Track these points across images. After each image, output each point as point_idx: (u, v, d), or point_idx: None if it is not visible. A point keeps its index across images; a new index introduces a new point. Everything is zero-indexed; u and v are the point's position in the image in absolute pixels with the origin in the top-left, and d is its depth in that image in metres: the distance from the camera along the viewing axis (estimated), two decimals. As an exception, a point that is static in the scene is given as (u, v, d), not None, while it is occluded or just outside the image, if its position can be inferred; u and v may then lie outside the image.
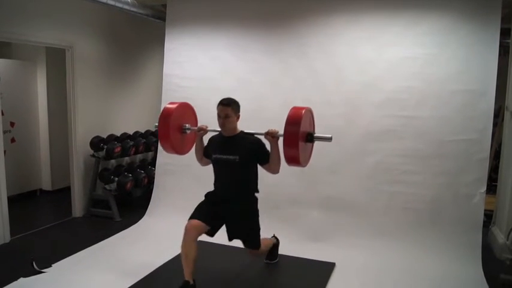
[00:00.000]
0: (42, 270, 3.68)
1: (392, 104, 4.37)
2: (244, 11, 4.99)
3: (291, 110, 3.05)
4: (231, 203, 3.32)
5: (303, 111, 3.02)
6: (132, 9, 5.00)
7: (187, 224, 3.23)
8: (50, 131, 6.30)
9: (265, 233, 4.03)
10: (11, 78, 5.88)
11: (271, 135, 3.13)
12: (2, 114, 4.83)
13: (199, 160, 3.55)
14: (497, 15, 4.08)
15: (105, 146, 5.45)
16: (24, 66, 6.11)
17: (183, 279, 3.13)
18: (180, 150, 3.55)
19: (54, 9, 4.98)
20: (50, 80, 6.20)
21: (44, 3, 4.86)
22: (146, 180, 5.67)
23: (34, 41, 5.02)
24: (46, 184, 6.43)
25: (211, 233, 3.35)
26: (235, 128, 3.32)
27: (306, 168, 4.51)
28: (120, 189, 5.36)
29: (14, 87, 5.92)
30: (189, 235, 3.19)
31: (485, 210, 4.18)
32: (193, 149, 3.58)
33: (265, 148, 3.27)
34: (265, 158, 3.24)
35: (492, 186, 5.07)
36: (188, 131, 3.50)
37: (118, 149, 5.48)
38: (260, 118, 4.60)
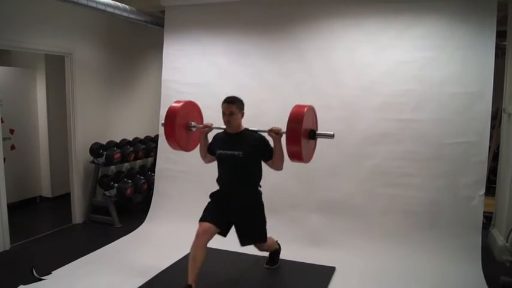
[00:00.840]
0: (42, 278, 3.68)
1: (391, 107, 4.38)
2: (242, 16, 5.01)
3: (293, 107, 3.12)
4: (235, 198, 3.40)
5: (305, 109, 3.08)
6: (131, 15, 5.02)
7: (199, 228, 3.30)
8: (50, 137, 6.31)
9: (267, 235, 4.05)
10: (11, 86, 5.90)
11: (275, 132, 3.21)
12: (2, 121, 4.85)
13: (204, 157, 3.62)
14: (493, 18, 4.10)
15: (105, 152, 5.46)
16: (23, 74, 6.13)
17: (186, 283, 3.15)
18: (186, 147, 3.64)
19: (53, 17, 5.00)
20: (49, 87, 6.22)
21: (42, 10, 4.88)
22: (146, 186, 5.67)
23: (33, 48, 5.04)
24: (46, 191, 6.43)
25: (223, 234, 3.43)
26: (239, 125, 3.41)
27: (304, 171, 4.58)
28: (120, 195, 5.37)
29: (14, 94, 5.94)
30: (201, 239, 3.25)
31: (484, 212, 4.20)
32: (197, 148, 3.66)
33: (269, 145, 3.36)
34: (269, 155, 3.32)
35: (491, 188, 5.07)
36: (194, 129, 3.58)
37: (117, 155, 5.49)
38: (259, 123, 4.58)
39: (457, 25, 4.23)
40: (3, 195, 4.42)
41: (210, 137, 3.58)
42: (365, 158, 4.46)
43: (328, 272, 3.88)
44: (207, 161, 3.63)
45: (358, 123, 4.49)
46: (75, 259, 4.12)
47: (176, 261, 4.03)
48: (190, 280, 3.15)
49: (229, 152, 3.35)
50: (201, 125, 3.58)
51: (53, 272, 3.80)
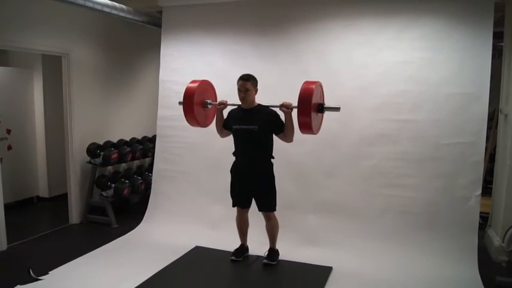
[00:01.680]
0: (39, 278, 3.67)
1: (388, 108, 4.39)
2: (239, 17, 5.01)
3: (303, 84, 3.40)
4: (252, 168, 3.78)
5: (314, 85, 3.35)
6: (128, 16, 5.01)
7: (237, 211, 4.02)
8: (47, 138, 6.30)
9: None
10: (8, 86, 5.89)
11: (286, 107, 3.52)
12: (-1, 121, 4.84)
13: (220, 132, 3.97)
14: (490, 19, 4.11)
15: (102, 153, 5.46)
16: (20, 74, 6.12)
17: (240, 244, 4.09)
18: (203, 123, 3.95)
19: (50, 17, 4.99)
20: (46, 87, 6.21)
21: (40, 10, 4.87)
22: (143, 186, 5.67)
23: (30, 49, 5.03)
24: (43, 191, 6.42)
25: (249, 206, 3.97)
26: (253, 100, 3.77)
27: (302, 171, 4.59)
28: (117, 196, 5.37)
29: (11, 94, 5.93)
30: (240, 216, 4.02)
31: (480, 212, 4.20)
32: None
33: (280, 119, 3.68)
34: (281, 128, 3.67)
35: (487, 188, 5.08)
36: (210, 106, 3.91)
37: (115, 156, 5.49)
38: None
39: (454, 26, 4.23)
40: (0, 195, 4.41)
41: (225, 113, 3.92)
42: (362, 159, 4.46)
43: (325, 272, 3.88)
44: (224, 135, 3.98)
45: (355, 123, 4.49)
46: (72, 259, 4.12)
47: (173, 262, 4.04)
48: (242, 241, 4.12)
49: (245, 127, 3.70)
50: (216, 102, 3.90)
51: (50, 272, 3.80)
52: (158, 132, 5.37)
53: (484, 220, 4.69)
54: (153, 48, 5.93)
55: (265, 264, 3.95)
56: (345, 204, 4.49)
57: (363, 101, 4.47)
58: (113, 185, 5.42)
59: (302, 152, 4.56)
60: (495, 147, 4.98)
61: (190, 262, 4.10)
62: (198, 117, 3.81)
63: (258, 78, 4.70)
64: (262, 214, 3.90)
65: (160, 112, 5.30)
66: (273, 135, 3.77)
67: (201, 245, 4.42)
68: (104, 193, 5.39)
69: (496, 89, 4.48)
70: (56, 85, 5.75)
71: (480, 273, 3.85)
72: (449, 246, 4.10)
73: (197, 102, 3.79)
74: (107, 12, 4.71)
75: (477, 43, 4.16)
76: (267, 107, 3.73)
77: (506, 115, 4.33)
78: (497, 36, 4.32)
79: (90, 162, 5.45)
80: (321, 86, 3.59)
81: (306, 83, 3.42)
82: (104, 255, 4.32)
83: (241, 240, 4.12)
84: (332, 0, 4.65)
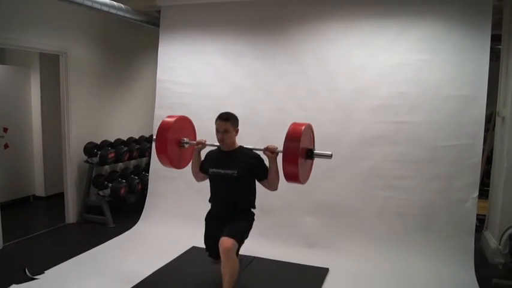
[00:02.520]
0: (35, 277, 3.66)
1: (386, 110, 4.39)
2: (238, 17, 5.01)
3: (290, 125, 3.02)
4: (228, 218, 3.26)
5: (303, 128, 2.99)
6: (126, 15, 5.00)
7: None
8: (44, 136, 6.28)
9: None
10: (5, 84, 5.87)
11: (270, 151, 3.11)
12: (-5, 120, 4.82)
13: (196, 175, 3.49)
14: (488, 22, 4.12)
15: (99, 152, 5.45)
16: (17, 72, 6.10)
17: None
18: (178, 164, 3.49)
19: (48, 15, 4.98)
20: (43, 85, 6.19)
21: (37, 9, 4.86)
22: (140, 186, 5.66)
23: (28, 47, 5.02)
24: (39, 190, 6.39)
25: None
26: (233, 142, 3.30)
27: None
28: (114, 195, 5.35)
29: (8, 92, 5.91)
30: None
31: (477, 214, 4.21)
32: (189, 165, 3.54)
33: (264, 164, 3.25)
34: (264, 174, 3.22)
35: (484, 191, 5.09)
36: (186, 145, 3.45)
37: (112, 155, 5.48)
38: (253, 123, 4.63)
39: (452, 28, 4.24)
40: (-4, 194, 4.41)
41: (203, 154, 3.48)
42: (360, 160, 4.46)
43: (321, 273, 3.88)
44: (199, 179, 3.51)
45: (353, 125, 4.49)
46: (68, 259, 4.10)
47: (170, 261, 4.03)
48: None
49: (223, 171, 3.24)
50: (194, 142, 3.46)
51: (45, 271, 3.79)
52: (155, 132, 5.35)
53: (481, 222, 4.70)
54: (151, 48, 5.93)
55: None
56: (342, 206, 4.49)
57: (361, 102, 4.47)
58: (110, 185, 5.40)
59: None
60: (492, 150, 4.99)
61: (186, 262, 4.09)
62: (172, 157, 3.35)
63: (255, 78, 4.70)
64: (219, 249, 3.10)
65: (158, 112, 5.29)
66: (256, 182, 3.34)
67: (197, 245, 4.40)
68: (100, 192, 5.37)
69: (494, 91, 4.49)
70: (53, 84, 5.74)
71: (476, 275, 3.86)
72: (445, 248, 4.10)
73: (172, 140, 3.36)
74: (105, 11, 4.70)
75: (475, 45, 4.17)
76: (250, 149, 3.28)
77: (503, 118, 4.34)
78: (495, 39, 4.33)
79: (87, 161, 5.44)
80: (310, 128, 3.19)
81: (294, 124, 3.02)
82: (100, 254, 4.30)
83: None
84: (331, 1, 4.66)
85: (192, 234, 4.55)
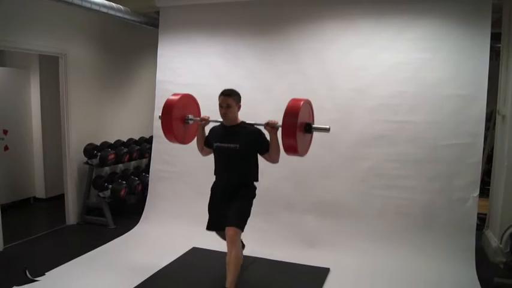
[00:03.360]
0: (36, 279, 3.65)
1: (386, 109, 4.39)
2: (236, 17, 5.01)
3: (290, 101, 3.14)
4: (231, 190, 3.43)
5: (302, 103, 3.11)
6: (126, 16, 5.00)
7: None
8: (44, 138, 6.28)
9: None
10: (4, 86, 5.87)
11: (271, 126, 3.26)
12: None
13: (201, 150, 3.68)
14: (487, 20, 4.12)
15: (99, 153, 5.45)
16: (17, 74, 6.10)
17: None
18: (182, 140, 3.66)
19: (47, 17, 4.98)
20: (43, 87, 6.18)
21: (36, 11, 4.86)
22: (140, 187, 5.65)
23: (27, 49, 5.02)
24: (40, 192, 6.39)
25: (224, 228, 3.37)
26: (236, 117, 3.46)
27: (299, 173, 4.57)
28: (114, 197, 5.35)
29: (7, 94, 5.91)
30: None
31: (478, 213, 4.21)
32: (193, 146, 3.67)
33: (265, 138, 3.40)
34: (265, 148, 3.37)
35: (485, 189, 5.08)
36: (191, 122, 3.62)
37: (112, 156, 5.47)
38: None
39: (452, 27, 4.24)
40: (-4, 196, 4.41)
41: (207, 130, 3.64)
42: (359, 160, 4.46)
43: (322, 273, 3.88)
44: (204, 153, 3.68)
45: (352, 124, 4.49)
46: (69, 260, 4.10)
47: (170, 262, 4.03)
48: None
49: (226, 145, 3.41)
50: (198, 118, 3.62)
51: (46, 273, 3.78)
52: (155, 133, 5.35)
53: (482, 221, 4.68)
54: (150, 49, 5.92)
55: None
56: (342, 205, 4.49)
57: (361, 102, 4.47)
58: (110, 186, 5.40)
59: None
60: (493, 148, 4.98)
61: (187, 263, 4.09)
62: (177, 133, 3.53)
63: (255, 79, 4.69)
64: (226, 236, 3.30)
65: (157, 113, 5.28)
66: (258, 155, 3.47)
67: (198, 246, 4.41)
68: (101, 194, 5.37)
69: (494, 90, 4.47)
70: (53, 85, 5.74)
71: (478, 274, 3.86)
72: (446, 247, 4.10)
73: (177, 117, 3.52)
74: (104, 13, 4.71)
75: (475, 44, 4.16)
76: (252, 125, 3.44)
77: (503, 116, 4.33)
78: (495, 38, 4.32)
79: (87, 162, 5.44)
80: (309, 103, 3.33)
81: (293, 100, 3.15)
82: (101, 256, 4.30)
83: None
84: (330, 1, 4.65)
85: (192, 235, 4.56)
